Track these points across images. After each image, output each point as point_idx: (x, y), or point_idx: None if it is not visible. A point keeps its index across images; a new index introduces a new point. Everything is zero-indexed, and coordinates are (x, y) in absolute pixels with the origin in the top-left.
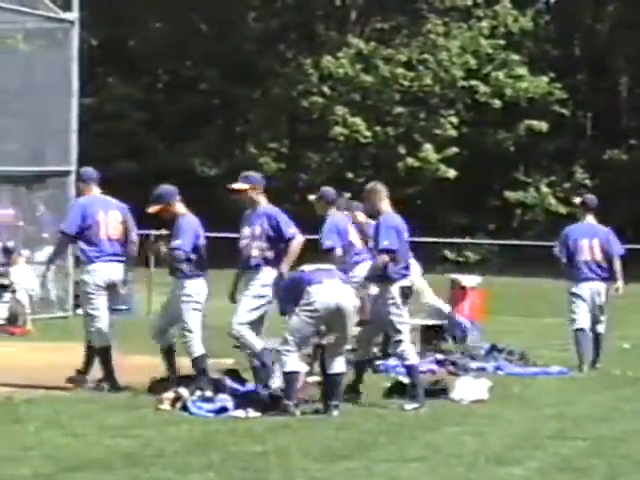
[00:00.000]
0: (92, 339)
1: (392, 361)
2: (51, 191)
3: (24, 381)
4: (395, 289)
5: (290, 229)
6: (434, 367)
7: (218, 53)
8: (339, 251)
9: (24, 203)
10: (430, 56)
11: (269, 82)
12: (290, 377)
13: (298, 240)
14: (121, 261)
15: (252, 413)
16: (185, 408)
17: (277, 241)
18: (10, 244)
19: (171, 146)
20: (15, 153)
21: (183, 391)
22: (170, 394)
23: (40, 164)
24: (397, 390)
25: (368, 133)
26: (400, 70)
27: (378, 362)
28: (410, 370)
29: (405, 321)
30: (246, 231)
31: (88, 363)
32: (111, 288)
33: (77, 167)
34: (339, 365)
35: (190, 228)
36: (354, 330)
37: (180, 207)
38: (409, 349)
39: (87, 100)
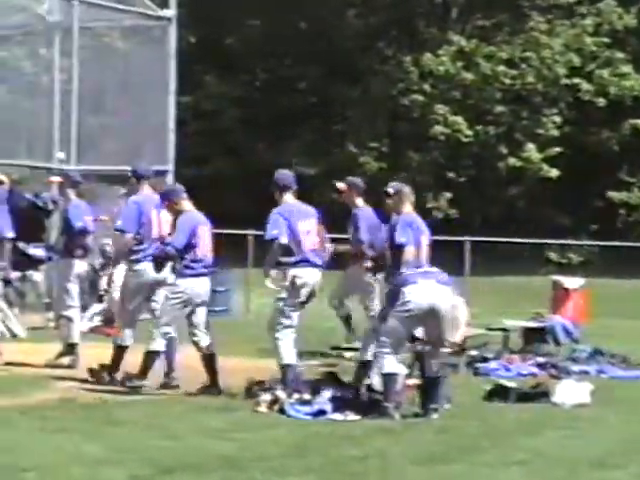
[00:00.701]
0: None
1: (493, 364)
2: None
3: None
4: None
5: (272, 231)
6: (535, 370)
7: (317, 51)
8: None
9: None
10: (532, 54)
11: (369, 80)
12: (388, 379)
13: (277, 243)
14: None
15: (351, 416)
16: (282, 411)
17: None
18: (108, 247)
19: (269, 144)
20: (113, 152)
21: (280, 393)
22: (267, 396)
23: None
24: (498, 393)
25: (469, 132)
26: (502, 68)
27: (478, 365)
28: None
29: None
30: None
31: (145, 366)
32: (157, 286)
33: (174, 166)
34: (438, 367)
35: (186, 226)
36: (457, 331)
37: (185, 205)
38: None
39: (185, 98)
